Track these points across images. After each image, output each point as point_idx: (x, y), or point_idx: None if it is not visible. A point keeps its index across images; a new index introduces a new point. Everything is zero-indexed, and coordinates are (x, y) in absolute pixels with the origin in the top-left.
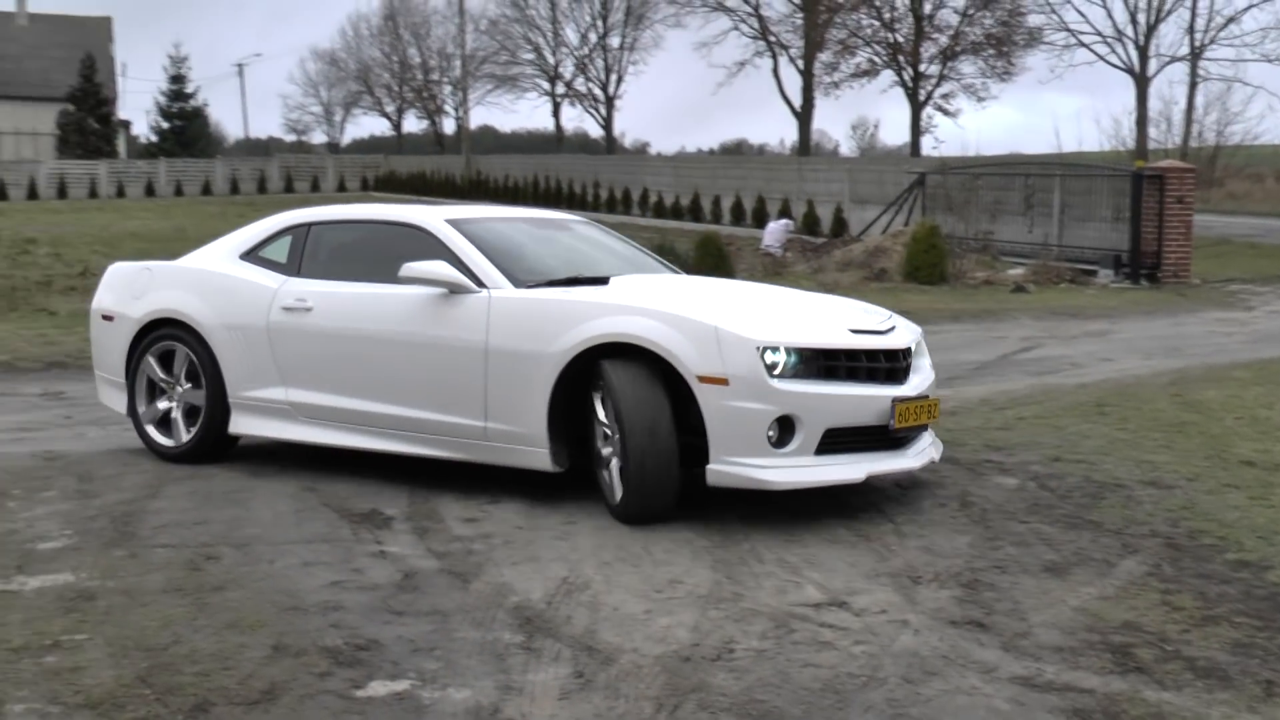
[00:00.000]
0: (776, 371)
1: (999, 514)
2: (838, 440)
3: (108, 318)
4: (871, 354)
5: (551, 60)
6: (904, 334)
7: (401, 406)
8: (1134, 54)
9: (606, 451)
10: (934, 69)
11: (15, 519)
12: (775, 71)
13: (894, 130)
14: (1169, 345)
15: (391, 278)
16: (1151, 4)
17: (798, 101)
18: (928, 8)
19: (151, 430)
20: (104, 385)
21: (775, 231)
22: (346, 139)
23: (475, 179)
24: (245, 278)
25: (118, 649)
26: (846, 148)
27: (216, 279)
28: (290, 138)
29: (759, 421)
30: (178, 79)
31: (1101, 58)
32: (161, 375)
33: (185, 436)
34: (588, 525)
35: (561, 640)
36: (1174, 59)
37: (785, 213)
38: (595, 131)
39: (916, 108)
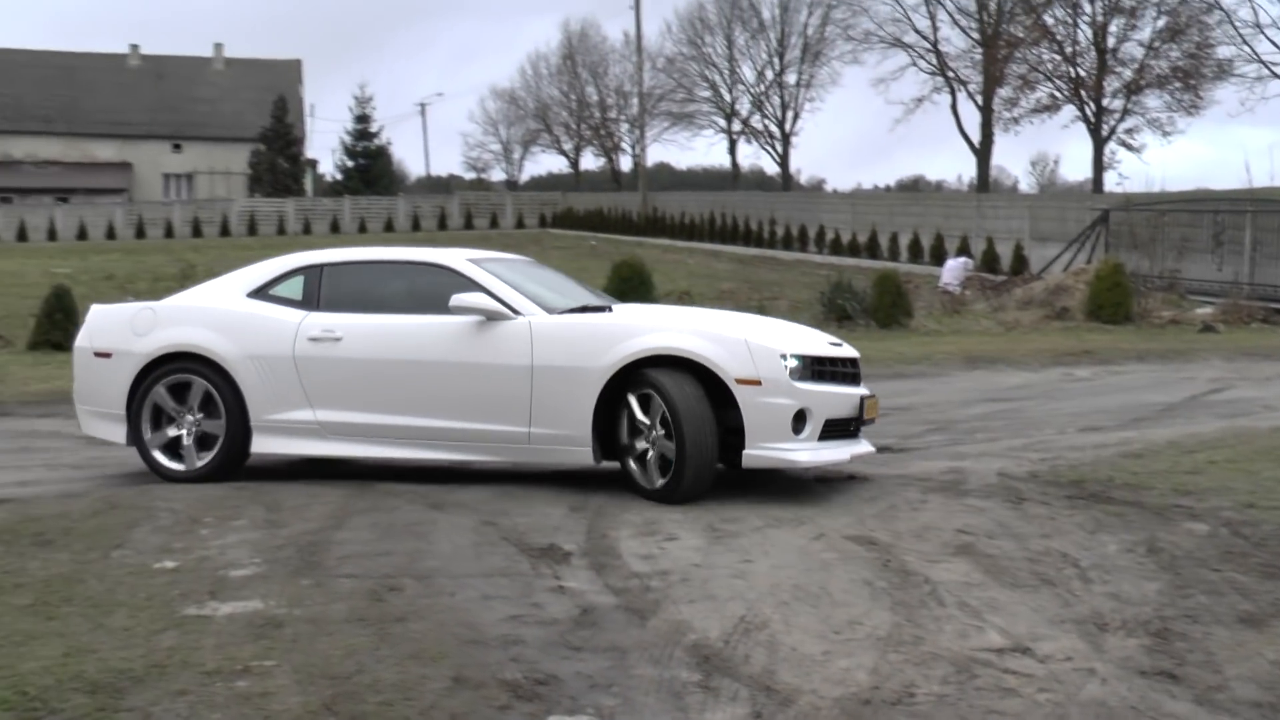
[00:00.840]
0: (793, 374)
1: (1189, 561)
2: (830, 429)
3: (103, 355)
4: (842, 361)
5: (728, 97)
6: (850, 349)
7: (440, 419)
8: None
9: (641, 446)
10: (1117, 103)
11: (208, 546)
12: (954, 107)
13: (1075, 166)
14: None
15: (413, 310)
16: None
17: (976, 137)
18: (1111, 41)
19: (160, 456)
20: (91, 417)
21: (954, 269)
22: (524, 176)
23: (651, 216)
24: (265, 314)
25: (304, 676)
26: (1025, 184)
27: (235, 316)
28: (470, 175)
29: (785, 414)
30: (362, 119)
31: None
32: (173, 405)
33: (199, 461)
34: (764, 564)
35: (739, 680)
36: None
37: (964, 250)
38: (771, 168)
39: (1099, 143)
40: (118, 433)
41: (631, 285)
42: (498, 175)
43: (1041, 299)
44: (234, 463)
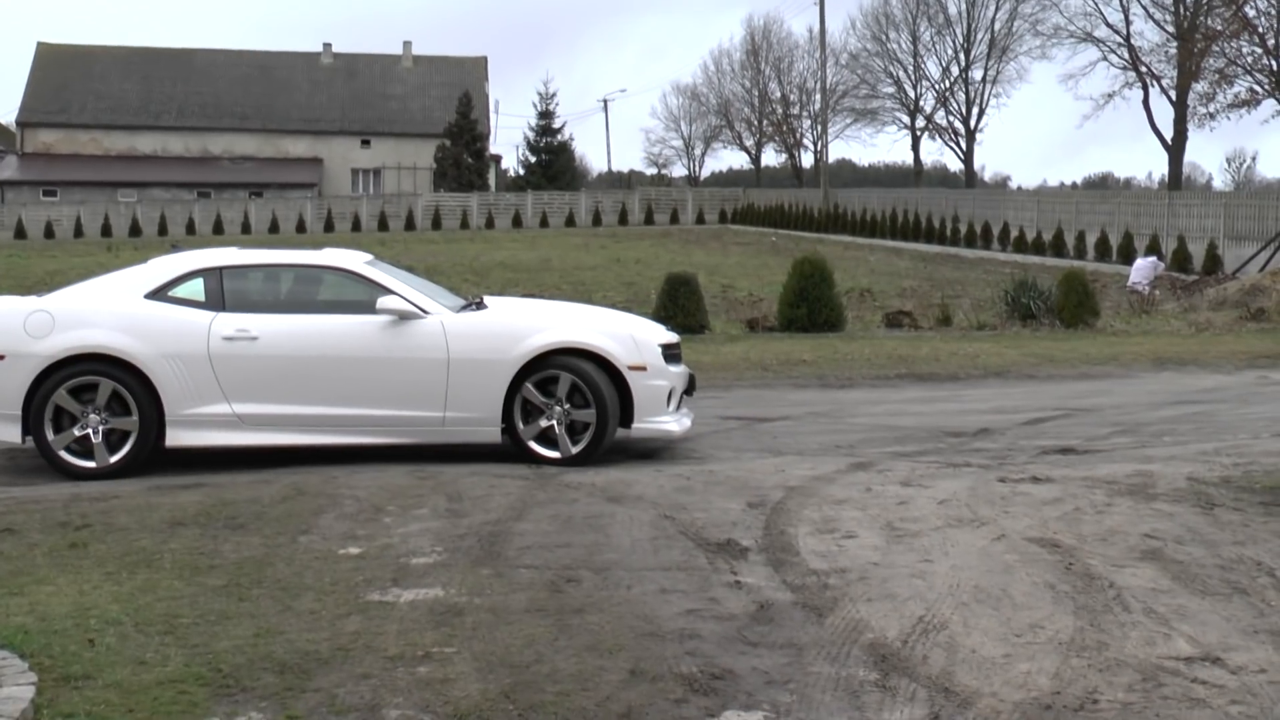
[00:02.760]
0: (665, 360)
1: None
2: (679, 402)
3: None
4: (677, 345)
5: (912, 93)
6: (674, 334)
7: (358, 408)
8: None
9: (545, 423)
10: None
11: (391, 534)
12: (1145, 103)
13: (1274, 162)
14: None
15: (317, 310)
16: None
17: (1169, 134)
18: None
19: (66, 455)
20: None
21: (1143, 269)
22: (705, 172)
23: (833, 212)
24: (173, 315)
25: (484, 664)
26: (1220, 181)
27: (142, 317)
28: (651, 171)
29: (662, 393)
30: (546, 114)
31: None
32: (76, 405)
33: (112, 457)
34: (944, 565)
35: (917, 680)
36: None
37: (1154, 249)
38: (954, 165)
39: None
40: (9, 433)
41: (813, 282)
42: (679, 171)
43: (1236, 300)
44: (145, 457)
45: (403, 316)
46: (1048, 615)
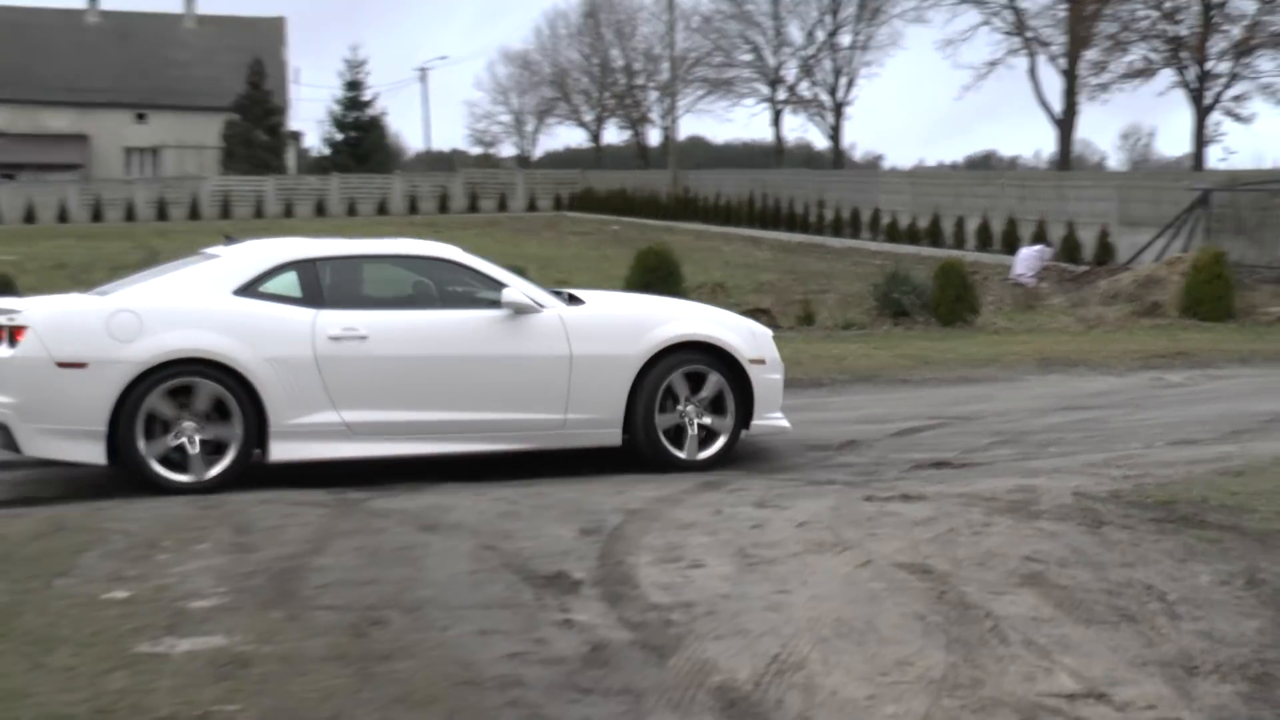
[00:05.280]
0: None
1: None
2: None
3: (74, 365)
4: None
5: (772, 62)
6: None
7: (474, 412)
8: None
9: (673, 422)
10: (1224, 66)
11: (166, 573)
12: (1032, 72)
13: (1173, 140)
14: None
15: (424, 304)
16: None
17: (1058, 107)
18: None
19: (160, 469)
20: (52, 437)
21: (1028, 259)
22: (538, 152)
23: (683, 197)
24: (272, 314)
25: None
26: (1115, 160)
27: (238, 316)
28: (476, 150)
29: (779, 387)
30: (354, 85)
31: None
32: (176, 416)
33: (211, 471)
34: (803, 595)
35: None
36: None
37: (1041, 237)
38: (820, 143)
39: (1201, 113)
40: (91, 450)
41: (658, 277)
42: (508, 150)
43: (1130, 292)
44: (243, 470)
45: (519, 310)
46: (917, 650)
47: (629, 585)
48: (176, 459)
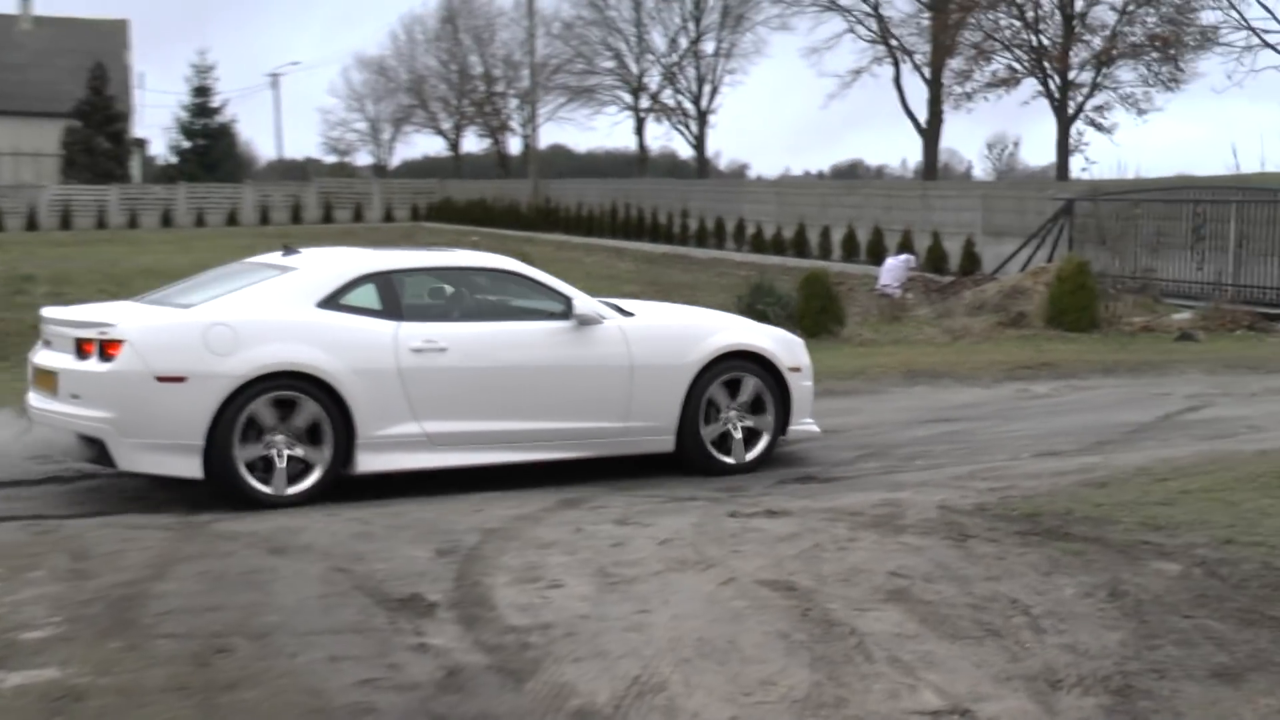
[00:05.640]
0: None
1: (1158, 606)
2: None
3: (173, 379)
4: None
5: (635, 69)
6: None
7: (544, 421)
8: None
9: (718, 429)
10: (1085, 76)
11: None
12: (897, 81)
13: (1037, 149)
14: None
15: (494, 316)
16: None
17: (923, 116)
18: (1079, 4)
19: (255, 483)
20: (149, 451)
21: (894, 269)
22: (395, 161)
23: (544, 207)
24: (358, 326)
25: None
26: (981, 170)
27: (327, 329)
28: (331, 159)
29: (810, 394)
30: (202, 91)
31: None
32: (269, 428)
33: (301, 485)
34: (664, 615)
35: None
36: None
37: (906, 247)
38: (685, 152)
39: (1064, 122)
40: (187, 465)
41: None
42: (364, 159)
43: (995, 303)
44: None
45: (584, 322)
46: (781, 669)
47: (486, 607)
48: (267, 472)
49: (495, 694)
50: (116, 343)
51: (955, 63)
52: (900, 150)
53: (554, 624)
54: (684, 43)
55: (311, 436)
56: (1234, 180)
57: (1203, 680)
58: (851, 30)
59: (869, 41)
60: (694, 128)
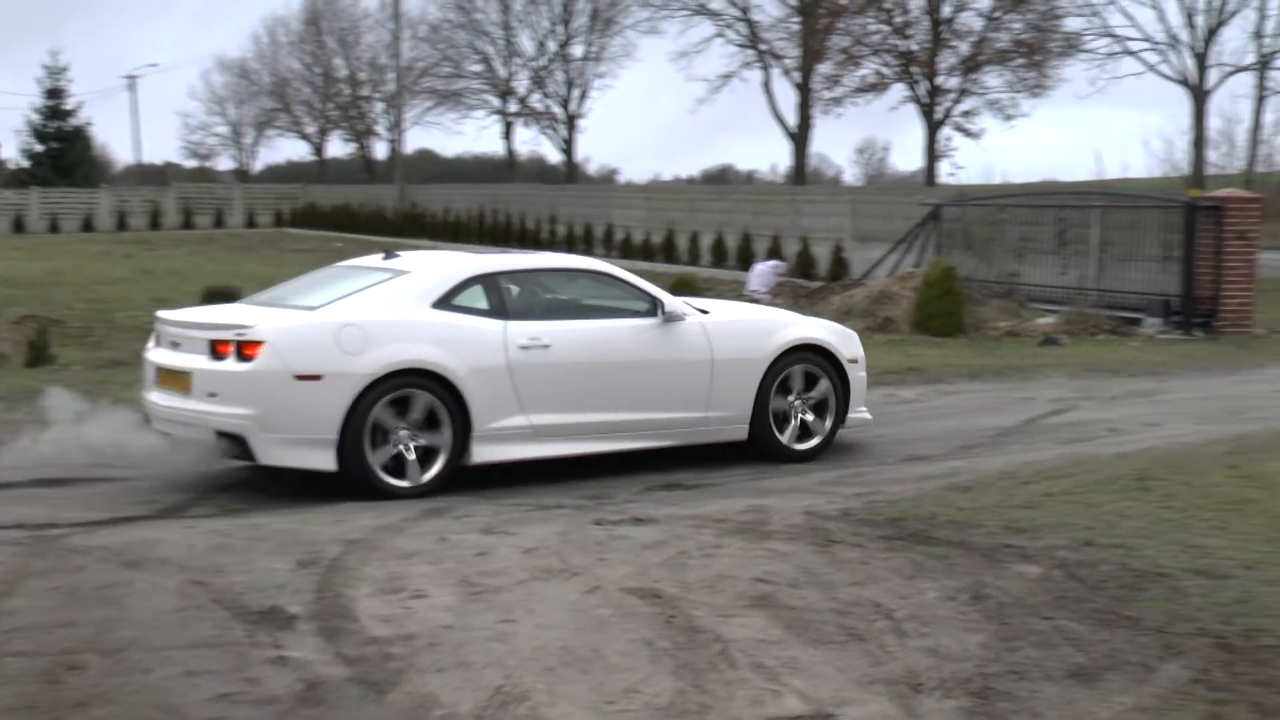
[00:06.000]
0: None
1: (1018, 608)
2: None
3: (310, 377)
4: None
5: (503, 73)
6: None
7: (634, 413)
8: (1190, 63)
9: (784, 415)
10: (953, 82)
11: None
12: (766, 86)
13: (907, 154)
14: (1227, 407)
15: (588, 314)
16: (1212, 5)
17: (793, 121)
18: (946, 10)
19: (386, 477)
20: (287, 446)
21: (763, 274)
22: (258, 165)
23: (410, 212)
24: (471, 325)
25: None
26: (851, 175)
27: (445, 328)
28: (191, 163)
29: (864, 384)
30: (55, 94)
31: (1152, 68)
32: (395, 423)
33: (424, 476)
34: (529, 624)
35: None
36: (1238, 69)
37: (775, 252)
38: (554, 157)
39: (932, 127)
40: (321, 458)
41: None
42: (225, 164)
43: (863, 308)
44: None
45: (670, 319)
46: (645, 677)
47: (347, 619)
48: (394, 466)
49: (356, 706)
50: (255, 344)
51: (824, 68)
52: (770, 155)
53: (417, 635)
54: (552, 46)
55: (431, 430)
56: (1097, 186)
57: (1060, 681)
58: (721, 34)
59: (738, 46)
60: (563, 132)
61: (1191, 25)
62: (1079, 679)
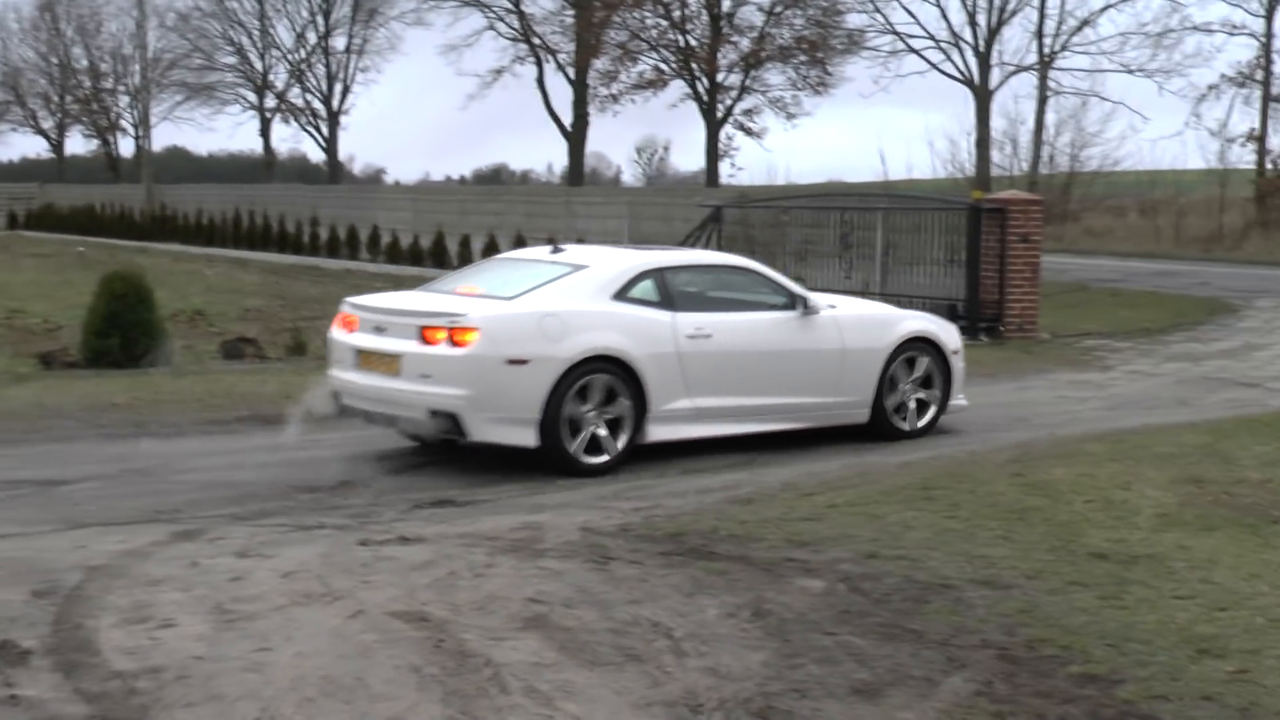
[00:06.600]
0: None
1: (801, 624)
2: None
3: (519, 361)
4: None
5: (259, 66)
6: None
7: (779, 397)
8: (973, 62)
9: (898, 401)
10: (734, 79)
11: None
12: (541, 81)
13: (688, 154)
14: (1012, 414)
15: (739, 307)
16: (993, 3)
17: (568, 119)
18: (726, 4)
19: (580, 454)
20: (497, 424)
21: None
22: None
23: (160, 214)
24: (646, 315)
25: None
26: (630, 175)
27: (627, 318)
28: None
29: (963, 373)
30: None
31: (935, 66)
32: (585, 404)
33: (610, 455)
34: (287, 652)
35: None
36: (1020, 68)
37: None
38: (317, 155)
39: (713, 126)
40: (525, 435)
41: (128, 304)
42: None
43: None
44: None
45: (808, 311)
46: (411, 705)
47: (88, 652)
48: (585, 444)
49: None
50: (468, 330)
51: (601, 63)
52: (547, 154)
53: (165, 667)
54: (312, 38)
55: (614, 411)
56: (882, 187)
57: (843, 698)
58: (492, 27)
59: (510, 39)
60: (325, 130)
61: (974, 24)
62: (862, 695)
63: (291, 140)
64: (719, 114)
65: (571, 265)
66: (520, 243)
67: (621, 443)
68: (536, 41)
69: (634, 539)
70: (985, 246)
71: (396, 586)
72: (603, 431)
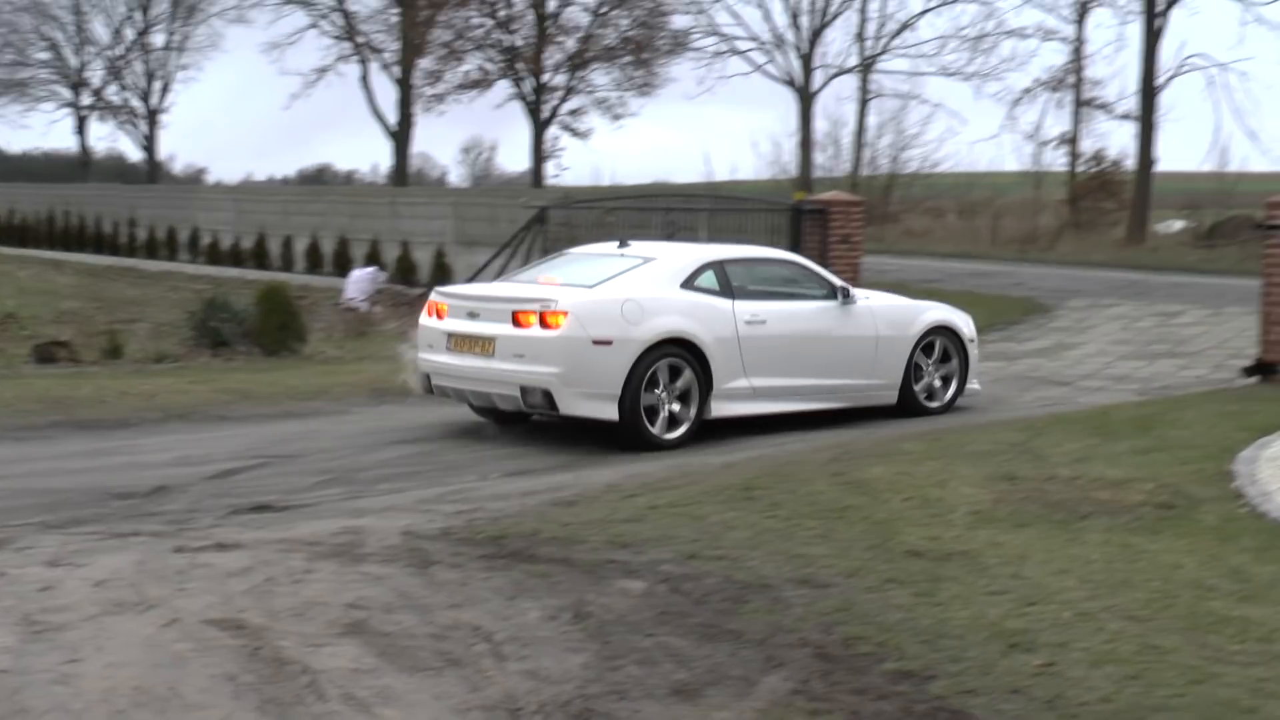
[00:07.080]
0: None
1: (621, 626)
2: None
3: (603, 342)
4: None
5: (74, 62)
6: None
7: (824, 378)
8: (797, 64)
9: (924, 383)
10: (560, 79)
11: None
12: (365, 81)
13: (515, 155)
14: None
15: (788, 296)
16: (815, 6)
17: (393, 119)
18: (551, 4)
19: (655, 429)
20: (584, 399)
21: (359, 281)
22: None
23: None
24: (710, 303)
25: None
26: (457, 176)
27: (696, 304)
28: None
29: (978, 359)
30: None
31: (759, 68)
32: (658, 383)
33: (680, 430)
34: (97, 663)
35: None
36: (842, 71)
37: (375, 257)
38: (135, 155)
39: (539, 127)
40: (608, 410)
41: None
42: None
43: None
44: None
45: (847, 300)
46: (227, 715)
47: None
48: (657, 420)
49: None
50: (560, 314)
51: (426, 62)
52: (372, 155)
53: None
54: (130, 34)
55: (682, 389)
56: (706, 188)
57: (663, 699)
58: (316, 25)
59: (335, 38)
60: (144, 128)
61: (796, 26)
62: (681, 696)
63: (109, 139)
64: (545, 115)
65: (641, 258)
66: (344, 244)
67: (689, 419)
68: (361, 40)
69: (456, 542)
70: (806, 247)
71: (212, 594)
72: (676, 407)
